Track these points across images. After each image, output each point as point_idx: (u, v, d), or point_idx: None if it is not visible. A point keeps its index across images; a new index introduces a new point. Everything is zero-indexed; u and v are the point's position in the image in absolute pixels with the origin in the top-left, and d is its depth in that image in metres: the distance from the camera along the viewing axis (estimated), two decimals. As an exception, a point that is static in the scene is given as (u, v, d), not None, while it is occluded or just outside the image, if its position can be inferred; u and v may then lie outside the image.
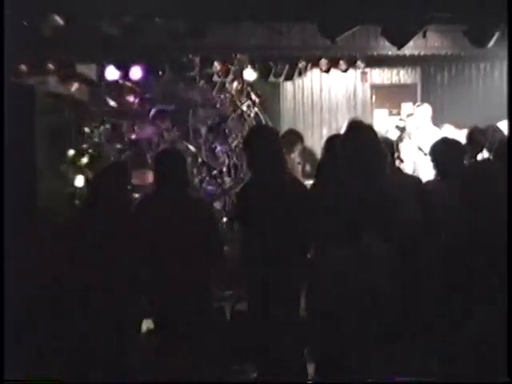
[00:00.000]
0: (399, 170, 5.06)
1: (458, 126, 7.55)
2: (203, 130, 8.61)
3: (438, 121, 8.26)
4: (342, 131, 4.28)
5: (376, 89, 9.85)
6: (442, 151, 4.65)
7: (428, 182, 4.87)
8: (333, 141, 4.56)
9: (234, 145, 8.25)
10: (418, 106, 8.37)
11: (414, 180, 4.80)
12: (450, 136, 5.51)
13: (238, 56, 8.49)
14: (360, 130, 4.14)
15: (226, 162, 8.14)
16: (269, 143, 4.39)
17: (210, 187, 7.69)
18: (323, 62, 8.90)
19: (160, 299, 4.18)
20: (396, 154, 5.16)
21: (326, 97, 9.73)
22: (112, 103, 8.59)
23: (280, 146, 4.55)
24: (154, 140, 8.31)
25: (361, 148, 4.00)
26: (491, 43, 6.41)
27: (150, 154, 8.19)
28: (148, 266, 4.15)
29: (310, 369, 4.36)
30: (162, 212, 4.14)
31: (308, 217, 4.17)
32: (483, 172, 3.33)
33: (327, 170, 4.47)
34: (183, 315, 4.10)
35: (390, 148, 4.94)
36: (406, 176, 4.93)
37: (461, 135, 6.43)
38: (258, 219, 4.26)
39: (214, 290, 4.66)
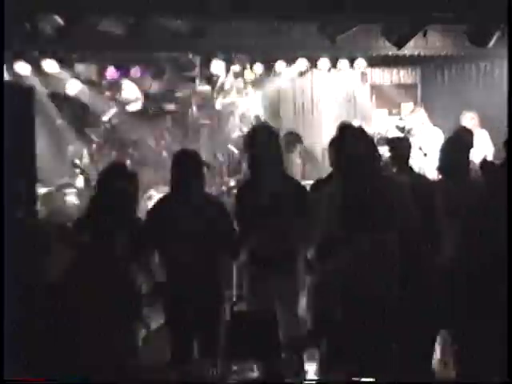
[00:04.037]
0: (411, 169, 5.06)
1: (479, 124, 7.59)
2: (203, 130, 8.61)
3: (437, 121, 8.27)
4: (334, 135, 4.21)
5: (376, 89, 9.84)
6: (447, 151, 4.64)
7: (433, 182, 4.87)
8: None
9: (233, 145, 8.25)
10: (411, 112, 8.37)
11: (422, 179, 4.79)
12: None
13: (238, 56, 8.48)
14: (351, 133, 4.11)
15: (226, 162, 8.13)
16: (269, 144, 4.38)
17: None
18: (323, 62, 8.91)
19: (175, 298, 4.20)
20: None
21: (326, 97, 9.71)
22: (112, 103, 8.60)
23: (280, 146, 4.54)
24: (154, 140, 8.31)
25: (354, 151, 3.98)
26: (491, 43, 6.42)
27: (150, 154, 8.20)
28: (165, 264, 4.21)
29: (311, 369, 4.36)
30: (179, 213, 4.14)
31: (308, 217, 4.17)
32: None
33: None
34: (197, 315, 4.14)
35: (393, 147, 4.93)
36: (419, 176, 4.93)
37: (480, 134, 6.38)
38: (256, 220, 4.26)
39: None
